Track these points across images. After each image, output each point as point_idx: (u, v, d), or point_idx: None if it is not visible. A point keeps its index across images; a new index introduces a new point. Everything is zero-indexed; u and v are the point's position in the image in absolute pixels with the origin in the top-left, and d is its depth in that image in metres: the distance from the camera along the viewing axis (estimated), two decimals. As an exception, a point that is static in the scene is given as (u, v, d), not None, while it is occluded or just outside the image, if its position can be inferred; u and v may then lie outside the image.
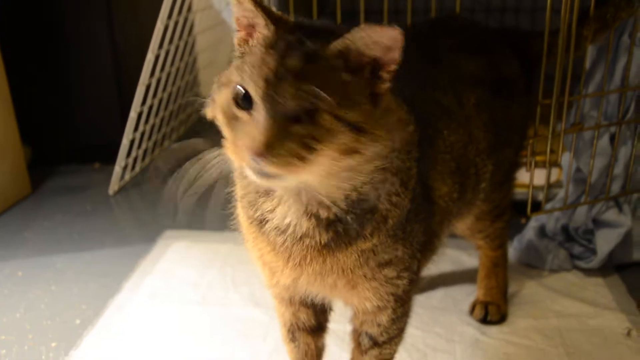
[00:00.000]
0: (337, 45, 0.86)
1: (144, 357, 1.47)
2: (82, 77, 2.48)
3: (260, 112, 0.84)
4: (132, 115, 2.28)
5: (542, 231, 1.84)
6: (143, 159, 2.51)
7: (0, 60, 2.17)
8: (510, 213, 1.59)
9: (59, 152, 2.59)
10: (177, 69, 2.56)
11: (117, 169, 2.33)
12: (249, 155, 0.83)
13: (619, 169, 1.74)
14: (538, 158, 1.78)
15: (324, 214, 0.97)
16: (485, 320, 1.58)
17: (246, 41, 0.94)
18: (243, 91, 0.86)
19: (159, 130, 2.58)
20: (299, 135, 0.84)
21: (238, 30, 0.95)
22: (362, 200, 0.98)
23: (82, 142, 2.58)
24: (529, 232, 1.86)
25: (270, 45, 0.88)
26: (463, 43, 1.42)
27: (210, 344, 1.51)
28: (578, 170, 1.77)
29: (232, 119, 0.89)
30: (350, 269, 1.03)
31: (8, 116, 2.22)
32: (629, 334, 1.52)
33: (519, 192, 1.89)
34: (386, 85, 0.90)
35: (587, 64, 1.70)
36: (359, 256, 1.02)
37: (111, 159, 2.35)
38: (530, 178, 1.72)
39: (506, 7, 2.77)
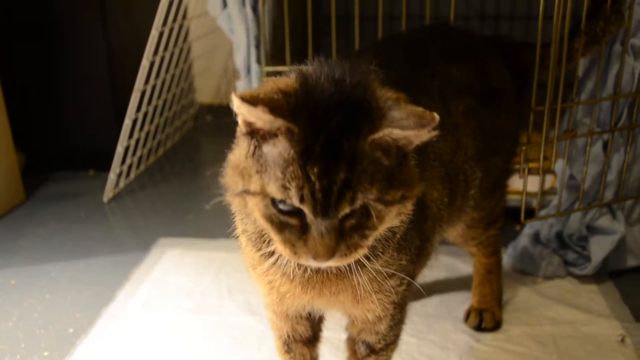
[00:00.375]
0: (375, 139, 0.85)
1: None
2: (76, 83, 2.48)
3: (315, 226, 0.85)
4: (127, 122, 2.28)
5: (536, 238, 1.85)
6: (138, 166, 2.52)
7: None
8: (503, 220, 1.60)
9: (53, 159, 2.59)
10: (172, 76, 2.57)
11: (112, 176, 2.33)
12: (313, 260, 0.87)
13: (612, 176, 1.75)
14: (531, 165, 1.78)
15: None
16: (479, 328, 1.58)
17: (263, 133, 0.87)
18: (289, 206, 0.85)
19: (153, 137, 2.58)
20: (355, 229, 0.87)
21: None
22: None
23: (76, 149, 2.58)
24: (524, 239, 1.86)
25: (304, 154, 0.83)
26: (455, 51, 1.43)
27: (205, 352, 1.52)
28: (571, 177, 1.78)
29: (277, 223, 0.88)
30: (362, 286, 1.03)
31: (1, 122, 2.22)
32: (622, 340, 1.53)
33: (513, 199, 1.91)
34: (431, 135, 0.88)
35: (580, 71, 1.70)
36: (371, 276, 1.02)
37: (106, 166, 2.34)
38: (523, 185, 1.72)
39: (500, 15, 2.78)
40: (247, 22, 1.81)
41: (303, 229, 0.86)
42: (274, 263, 1.00)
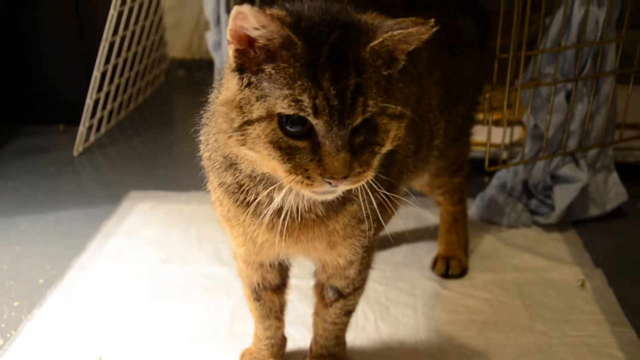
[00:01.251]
0: (374, 46, 0.86)
1: (109, 315, 1.49)
2: (45, 35, 2.45)
3: (330, 141, 0.85)
4: (96, 74, 2.27)
5: (502, 188, 1.89)
6: (109, 120, 2.51)
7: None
8: (468, 169, 1.63)
9: (21, 112, 2.58)
10: (142, 28, 2.55)
11: (82, 129, 2.33)
12: (327, 182, 0.86)
13: (575, 125, 1.77)
14: (498, 116, 1.80)
15: None
16: (446, 275, 1.62)
17: (247, 53, 0.87)
18: (298, 125, 0.85)
19: (124, 91, 2.57)
20: (364, 146, 0.88)
21: (230, 42, 0.87)
22: None
23: (46, 102, 2.56)
24: (491, 189, 1.90)
25: (312, 64, 0.84)
26: (417, 0, 1.43)
27: (176, 300, 1.54)
28: (535, 126, 1.80)
29: (286, 149, 0.87)
30: (337, 231, 1.07)
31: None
32: (582, 285, 1.57)
33: (480, 150, 1.93)
34: (402, 64, 0.92)
35: (546, 20, 1.71)
36: (347, 220, 1.06)
37: (76, 120, 2.34)
38: (487, 132, 1.73)
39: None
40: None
41: (314, 150, 0.86)
42: (253, 213, 1.01)
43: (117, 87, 2.47)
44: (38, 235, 1.83)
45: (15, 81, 2.53)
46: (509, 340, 1.39)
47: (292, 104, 0.83)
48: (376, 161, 0.91)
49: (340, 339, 1.29)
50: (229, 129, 0.89)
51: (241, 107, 0.88)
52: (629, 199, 1.87)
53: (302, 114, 0.83)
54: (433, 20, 0.86)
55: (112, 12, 2.20)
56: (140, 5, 2.42)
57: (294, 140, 0.86)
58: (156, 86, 2.99)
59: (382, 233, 1.24)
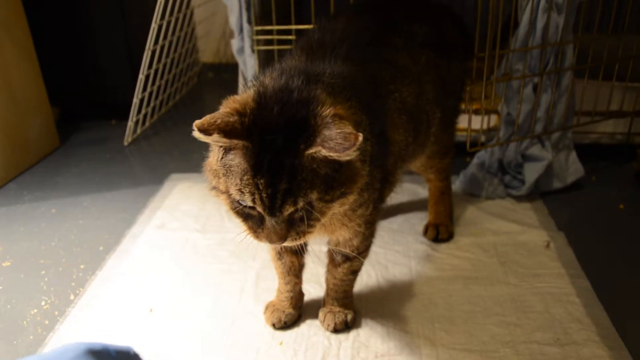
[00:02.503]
0: (310, 152, 0.87)
1: (156, 274, 1.51)
2: (99, 47, 2.46)
3: (267, 221, 0.91)
4: (140, 77, 2.28)
5: (481, 166, 1.89)
6: (152, 115, 2.52)
7: (30, 34, 2.15)
8: (453, 151, 1.63)
9: (82, 111, 2.59)
10: (178, 38, 2.55)
11: (130, 124, 2.34)
12: (269, 243, 0.94)
13: (541, 113, 1.77)
14: (477, 106, 1.81)
15: None
16: (436, 239, 1.63)
17: (225, 147, 0.91)
18: (247, 204, 0.90)
19: (164, 91, 2.58)
20: (302, 219, 0.92)
21: None
22: None
23: (101, 103, 2.58)
24: (472, 167, 1.90)
25: (255, 168, 0.87)
26: (416, 14, 1.44)
27: (210, 262, 1.55)
28: (508, 114, 1.80)
29: (242, 214, 0.94)
30: (333, 224, 1.09)
31: (37, 81, 2.22)
32: (547, 246, 1.58)
33: (462, 135, 1.93)
34: (353, 155, 0.89)
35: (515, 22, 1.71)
36: (341, 217, 1.08)
37: (125, 116, 2.35)
38: (468, 119, 1.75)
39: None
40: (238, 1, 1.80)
41: (261, 220, 0.93)
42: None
43: (158, 88, 2.48)
44: (98, 211, 1.85)
45: (78, 86, 2.54)
46: (487, 292, 1.41)
47: (239, 193, 0.89)
48: (315, 227, 0.94)
49: (347, 293, 1.31)
50: (209, 184, 0.98)
51: (215, 175, 0.94)
52: (585, 174, 1.87)
53: (244, 202, 0.90)
54: (361, 138, 0.84)
55: (154, 26, 2.21)
56: (177, 20, 2.42)
57: (247, 209, 0.92)
58: (190, 86, 2.99)
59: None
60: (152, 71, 2.34)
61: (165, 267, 1.54)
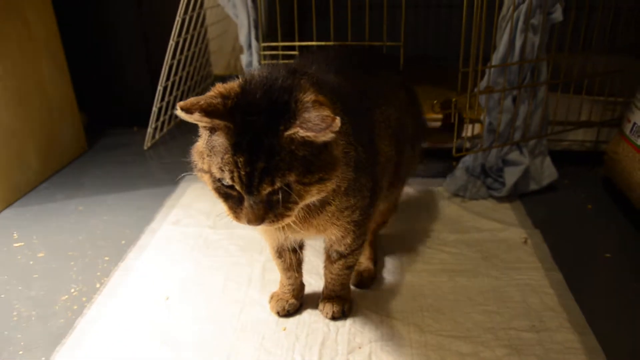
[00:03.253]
0: (289, 133, 0.83)
1: (172, 264, 1.51)
2: (123, 61, 2.47)
3: (246, 200, 0.86)
4: (159, 88, 2.27)
5: (466, 169, 1.88)
6: (169, 122, 2.51)
7: (63, 50, 2.16)
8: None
9: (107, 119, 2.58)
10: (193, 53, 2.54)
11: (150, 130, 2.34)
12: (247, 224, 0.87)
13: (519, 122, 1.77)
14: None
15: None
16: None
17: (209, 128, 0.88)
18: (227, 184, 0.86)
19: (180, 100, 2.57)
20: (279, 202, 0.86)
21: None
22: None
23: (124, 111, 2.57)
24: (458, 171, 1.89)
25: (235, 146, 0.83)
26: (386, 62, 1.44)
27: (220, 255, 1.55)
28: (490, 123, 1.79)
29: (223, 194, 0.89)
30: (322, 224, 1.06)
31: (68, 91, 2.22)
32: (525, 242, 1.58)
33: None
34: (330, 136, 0.85)
35: (496, 43, 1.71)
36: (329, 217, 1.05)
37: (145, 123, 2.34)
38: (454, 127, 1.74)
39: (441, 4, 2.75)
40: (247, 9, 1.80)
41: (240, 200, 0.87)
42: None
43: (175, 97, 2.47)
44: (120, 208, 1.84)
45: (103, 96, 2.54)
46: (471, 283, 1.40)
47: (219, 171, 0.85)
48: (292, 211, 0.89)
49: (344, 285, 1.29)
50: (195, 167, 0.93)
51: (201, 157, 0.90)
52: (558, 177, 1.86)
53: (224, 180, 0.85)
54: (338, 122, 0.80)
55: (171, 42, 2.21)
56: (192, 37, 2.41)
57: (227, 189, 0.87)
58: (204, 97, 2.98)
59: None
60: (170, 83, 2.33)
61: (180, 259, 1.53)
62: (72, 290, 1.42)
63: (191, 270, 1.48)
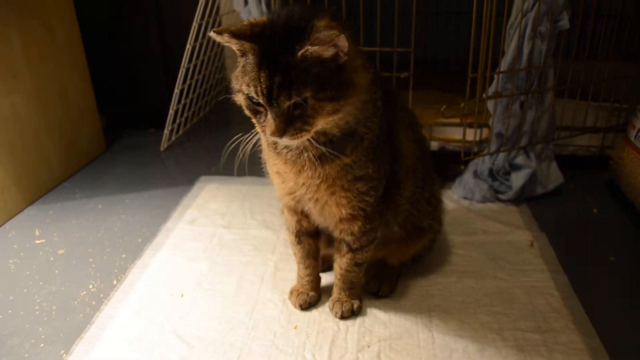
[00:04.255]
0: (300, 53, 0.90)
1: (187, 263, 1.51)
2: (141, 65, 2.48)
3: (269, 113, 0.94)
4: (176, 91, 2.29)
5: (474, 173, 1.87)
6: (185, 124, 2.52)
7: (84, 54, 2.18)
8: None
9: (125, 121, 2.60)
10: (209, 57, 2.55)
11: (166, 132, 2.35)
12: (271, 136, 0.95)
13: (526, 127, 1.76)
14: (470, 120, 1.80)
15: (320, 138, 1.03)
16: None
17: (241, 51, 0.96)
18: (254, 98, 0.95)
19: (196, 103, 2.58)
20: (299, 117, 0.94)
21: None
22: (347, 127, 1.04)
23: (141, 113, 2.58)
24: (466, 174, 1.88)
25: (259, 64, 0.92)
26: (403, 104, 1.41)
27: (234, 254, 1.55)
28: (498, 128, 1.78)
29: (253, 110, 0.97)
30: (333, 178, 1.08)
31: (89, 94, 2.24)
32: (531, 244, 1.57)
33: (456, 145, 1.92)
34: (344, 59, 0.94)
35: (504, 48, 1.70)
36: (340, 169, 1.08)
37: (162, 125, 2.35)
38: (463, 132, 1.74)
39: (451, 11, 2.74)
40: (262, 15, 1.80)
41: (266, 114, 0.96)
42: (275, 149, 1.09)
43: (191, 100, 2.48)
44: (137, 207, 1.85)
45: (121, 98, 2.56)
46: (478, 285, 1.39)
47: (247, 87, 0.94)
48: (311, 127, 0.96)
49: (354, 284, 1.29)
50: (233, 90, 1.00)
51: (236, 79, 0.98)
52: (564, 182, 1.85)
53: (251, 94, 0.94)
54: (343, 37, 0.89)
55: (188, 47, 2.22)
56: (207, 42, 2.42)
57: (255, 106, 0.96)
58: (218, 99, 2.99)
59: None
60: (186, 86, 2.35)
61: (195, 257, 1.54)
62: (91, 286, 1.43)
63: (205, 268, 1.48)
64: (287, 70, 0.90)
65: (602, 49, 1.82)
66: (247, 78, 0.94)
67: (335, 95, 0.94)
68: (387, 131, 1.15)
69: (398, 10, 1.68)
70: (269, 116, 0.94)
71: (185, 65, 2.25)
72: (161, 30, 2.43)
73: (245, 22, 0.95)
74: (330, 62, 0.93)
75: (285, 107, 0.93)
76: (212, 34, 0.92)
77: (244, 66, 0.96)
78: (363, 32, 1.76)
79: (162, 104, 2.40)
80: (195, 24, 2.20)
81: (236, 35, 0.92)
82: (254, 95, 0.94)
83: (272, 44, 0.92)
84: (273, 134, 0.94)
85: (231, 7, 2.54)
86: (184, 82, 2.31)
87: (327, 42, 0.89)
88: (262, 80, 0.91)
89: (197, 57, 2.35)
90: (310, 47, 0.89)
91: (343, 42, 0.90)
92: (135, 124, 2.60)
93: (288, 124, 0.94)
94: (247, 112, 0.99)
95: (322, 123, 0.97)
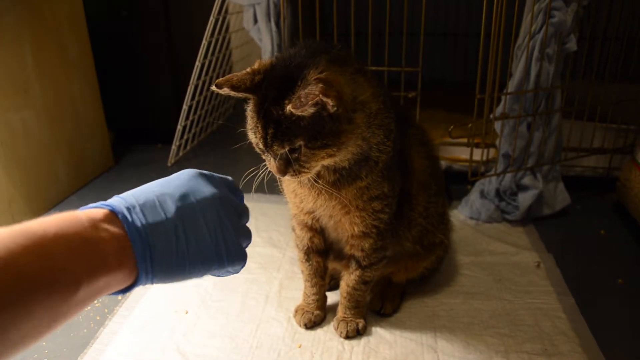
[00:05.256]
0: (289, 108, 0.91)
1: (192, 281, 1.45)
2: (150, 81, 2.50)
3: (269, 157, 1.00)
4: (184, 107, 2.30)
5: (481, 193, 1.87)
6: (192, 140, 2.54)
7: (95, 71, 2.20)
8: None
9: (133, 136, 2.61)
10: (218, 74, 2.57)
11: (174, 147, 2.35)
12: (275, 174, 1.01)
13: (534, 148, 1.75)
14: (478, 140, 1.80)
15: (330, 169, 1.06)
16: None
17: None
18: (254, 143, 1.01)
19: (204, 119, 2.60)
20: (296, 160, 0.98)
21: None
22: (358, 156, 1.05)
23: (149, 129, 2.60)
24: (472, 194, 1.88)
25: (257, 114, 0.96)
26: (413, 122, 1.44)
27: (238, 273, 1.53)
28: (505, 148, 1.78)
29: (259, 150, 1.01)
30: (349, 200, 1.10)
31: (98, 109, 2.26)
32: (538, 266, 1.55)
33: (463, 165, 1.92)
34: (335, 110, 0.92)
35: (512, 70, 1.70)
36: (356, 192, 1.09)
37: (169, 141, 2.37)
38: (470, 152, 1.74)
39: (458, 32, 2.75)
40: (271, 34, 1.82)
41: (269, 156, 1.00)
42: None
43: (199, 117, 2.50)
44: (143, 223, 1.84)
45: (131, 115, 2.58)
46: (484, 306, 1.38)
47: (249, 133, 1.00)
48: (308, 170, 0.99)
49: (359, 303, 1.29)
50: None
51: (247, 122, 1.01)
52: (571, 202, 1.84)
53: (252, 140, 1.00)
54: (330, 100, 0.89)
55: (197, 64, 2.24)
56: (217, 59, 2.44)
57: (259, 149, 1.01)
58: (226, 116, 3.01)
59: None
60: (195, 103, 2.36)
61: (200, 274, 1.53)
62: (95, 301, 1.42)
63: (210, 285, 1.48)
64: (278, 123, 0.94)
65: (609, 70, 1.82)
66: (249, 125, 1.00)
67: (327, 143, 0.96)
68: (399, 148, 1.16)
69: (406, 30, 1.70)
70: (271, 159, 0.99)
71: (194, 82, 2.27)
72: (171, 47, 2.45)
73: (249, 69, 0.99)
74: (321, 111, 0.92)
75: (279, 153, 0.97)
76: (213, 88, 0.96)
77: (248, 113, 1.00)
78: (371, 51, 1.77)
79: (171, 119, 2.41)
80: (205, 41, 2.22)
81: (235, 87, 0.96)
82: (253, 141, 1.00)
83: (267, 96, 0.95)
84: (276, 173, 1.00)
85: (241, 24, 2.56)
86: (193, 98, 2.33)
87: (305, 104, 0.89)
88: (259, 128, 0.96)
89: (206, 74, 2.37)
90: (292, 109, 0.91)
91: (326, 99, 0.89)
92: (144, 140, 2.61)
93: (288, 166, 0.98)
94: (256, 150, 1.04)
95: (319, 166, 1.01)
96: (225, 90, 0.96)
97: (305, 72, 0.93)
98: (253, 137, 0.99)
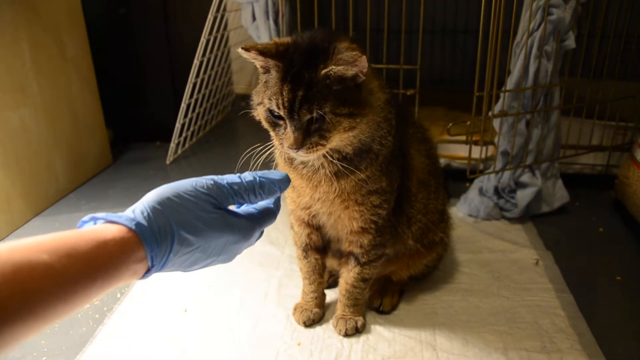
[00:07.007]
0: (324, 71, 0.94)
1: (191, 279, 1.49)
2: (148, 79, 2.50)
3: (288, 126, 0.97)
4: (183, 105, 2.30)
5: (480, 191, 1.87)
6: (191, 138, 2.53)
7: (93, 70, 2.20)
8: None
9: (132, 134, 2.61)
10: (216, 72, 2.57)
11: (172, 145, 2.35)
12: (288, 148, 0.97)
13: (532, 145, 1.75)
14: (476, 138, 1.80)
15: (335, 155, 1.05)
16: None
17: (264, 67, 1.00)
18: (275, 111, 0.98)
19: (202, 117, 2.60)
20: (316, 131, 0.97)
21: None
22: (362, 145, 1.06)
23: (148, 126, 2.60)
24: (471, 192, 1.88)
25: (282, 79, 0.96)
26: (413, 120, 1.43)
27: (238, 270, 1.54)
28: (503, 146, 1.78)
29: (272, 123, 1.00)
30: (348, 192, 1.10)
31: (96, 108, 2.25)
32: (537, 263, 1.55)
33: (462, 163, 1.92)
34: (362, 79, 0.97)
35: (510, 67, 1.70)
36: (355, 184, 1.10)
37: (168, 139, 2.36)
38: (469, 149, 1.74)
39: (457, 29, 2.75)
40: (270, 31, 1.82)
41: (285, 127, 0.98)
42: (291, 164, 1.10)
43: (197, 115, 2.50)
44: (142, 221, 1.84)
45: (129, 113, 2.57)
46: (483, 303, 1.38)
47: (269, 100, 0.97)
48: (327, 142, 0.98)
49: (358, 301, 1.29)
50: (254, 104, 1.04)
51: (257, 93, 1.02)
52: (570, 200, 1.84)
53: (272, 107, 0.97)
54: (364, 57, 0.93)
55: (195, 62, 2.24)
56: (215, 57, 2.44)
57: (275, 118, 0.99)
58: (225, 114, 3.01)
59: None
60: (193, 100, 2.36)
61: (198, 273, 1.49)
62: (95, 300, 1.42)
63: (209, 284, 1.48)
64: (310, 85, 0.94)
65: (608, 68, 1.82)
66: (269, 92, 0.97)
67: (352, 112, 0.97)
68: (398, 145, 1.16)
69: (405, 28, 1.69)
70: (288, 129, 0.97)
71: (193, 80, 2.27)
72: (169, 45, 2.45)
73: (270, 41, 1.00)
74: (350, 81, 0.96)
75: (305, 119, 0.95)
76: (240, 50, 0.96)
77: (266, 82, 0.99)
78: (370, 49, 1.77)
79: (169, 118, 2.41)
80: (203, 39, 2.22)
81: (262, 52, 0.96)
82: (275, 108, 0.97)
83: (296, 61, 0.96)
84: (291, 146, 0.96)
85: (239, 22, 2.56)
86: (191, 96, 2.32)
87: (349, 63, 0.93)
88: (284, 93, 0.95)
89: (205, 72, 2.37)
90: (334, 67, 0.93)
91: (364, 63, 0.93)
92: (142, 138, 2.61)
93: (306, 138, 0.97)
94: (265, 125, 1.03)
95: (337, 139, 1.00)
96: (252, 54, 0.96)
97: (335, 44, 0.96)
98: (274, 103, 0.97)
